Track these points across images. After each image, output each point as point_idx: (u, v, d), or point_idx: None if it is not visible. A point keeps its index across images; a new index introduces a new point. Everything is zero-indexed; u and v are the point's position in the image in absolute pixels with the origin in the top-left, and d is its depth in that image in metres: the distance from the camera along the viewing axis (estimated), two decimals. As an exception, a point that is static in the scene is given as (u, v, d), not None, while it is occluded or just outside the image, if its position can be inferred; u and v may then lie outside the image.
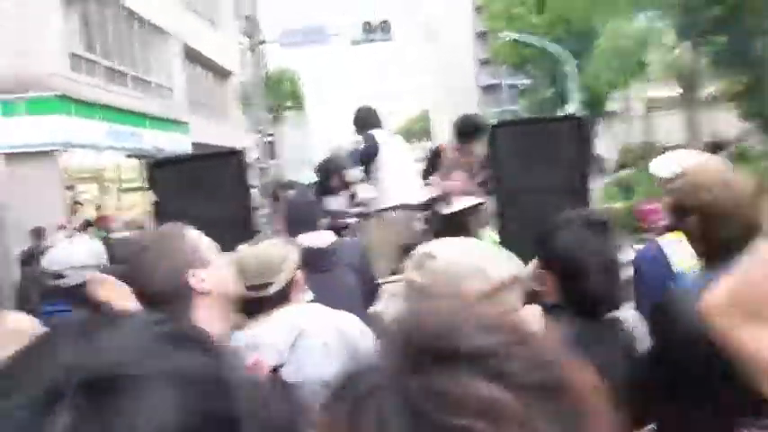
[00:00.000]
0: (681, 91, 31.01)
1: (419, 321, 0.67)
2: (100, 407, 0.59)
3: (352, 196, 5.67)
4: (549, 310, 1.77)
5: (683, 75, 25.38)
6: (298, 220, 3.79)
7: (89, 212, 16.54)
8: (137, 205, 21.30)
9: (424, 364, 0.61)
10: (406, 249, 2.66)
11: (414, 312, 0.72)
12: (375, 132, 5.79)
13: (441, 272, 1.51)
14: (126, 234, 13.43)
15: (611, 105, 39.02)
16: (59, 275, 3.25)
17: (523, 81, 49.93)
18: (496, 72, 65.64)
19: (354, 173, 5.55)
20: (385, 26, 20.30)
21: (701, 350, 1.47)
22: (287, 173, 30.83)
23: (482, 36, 64.22)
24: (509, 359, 0.62)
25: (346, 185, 5.61)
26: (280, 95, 33.08)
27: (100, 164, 19.12)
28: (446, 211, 4.81)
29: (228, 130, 29.24)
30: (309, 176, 20.74)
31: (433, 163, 6.03)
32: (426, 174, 6.01)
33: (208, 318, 1.77)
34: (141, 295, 1.83)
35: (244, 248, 2.45)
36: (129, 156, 19.91)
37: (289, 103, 34.81)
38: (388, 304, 1.86)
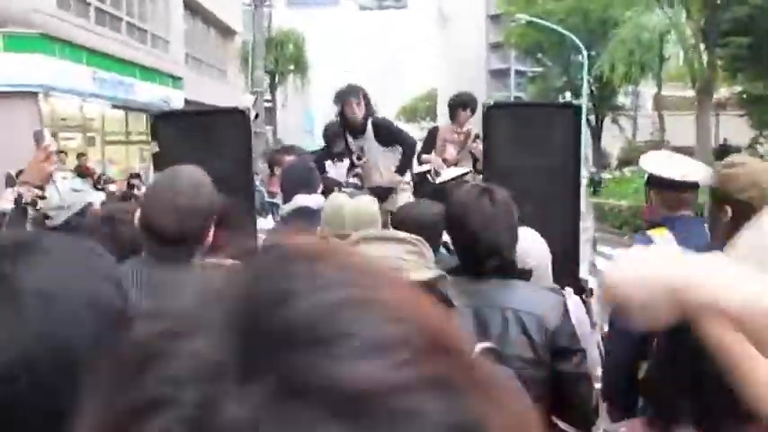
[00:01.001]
0: (693, 92, 30.30)
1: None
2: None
3: (352, 165, 5.82)
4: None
5: (698, 75, 24.46)
6: (296, 184, 3.84)
7: (71, 162, 15.67)
8: (121, 159, 20.52)
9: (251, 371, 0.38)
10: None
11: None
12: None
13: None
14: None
15: (621, 100, 38.17)
16: (46, 216, 3.29)
17: (533, 68, 49.13)
18: (506, 57, 64.58)
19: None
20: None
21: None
22: (285, 139, 29.90)
23: (495, 19, 63.09)
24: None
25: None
26: (283, 58, 32.02)
27: (86, 113, 18.22)
28: (436, 180, 5.17)
29: (226, 89, 28.27)
30: (310, 144, 20.15)
31: (429, 142, 6.22)
32: (424, 150, 6.19)
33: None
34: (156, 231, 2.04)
35: (342, 198, 2.71)
36: (114, 106, 18.95)
37: (291, 67, 33.53)
38: None
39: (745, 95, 28.00)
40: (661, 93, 26.81)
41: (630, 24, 23.86)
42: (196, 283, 0.45)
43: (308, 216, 3.54)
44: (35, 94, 14.63)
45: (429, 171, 6.04)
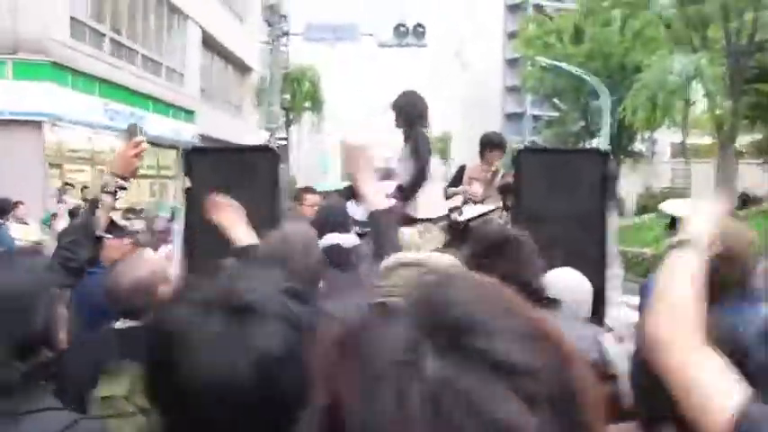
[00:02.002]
0: (710, 140, 29.69)
1: (442, 299, 0.68)
2: (234, 324, 0.97)
3: None
4: None
5: (719, 123, 23.89)
6: (329, 223, 3.91)
7: (77, 194, 15.17)
8: (132, 194, 20.00)
9: (442, 346, 0.63)
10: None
11: (435, 291, 0.71)
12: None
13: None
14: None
15: (638, 146, 37.62)
16: None
17: (549, 113, 48.78)
18: (522, 101, 64.41)
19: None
20: (419, 30, 18.56)
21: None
22: (298, 178, 29.42)
23: (512, 63, 63.09)
24: (538, 374, 0.63)
25: None
26: (299, 95, 31.56)
27: (95, 145, 17.78)
28: (459, 218, 5.12)
29: (240, 125, 27.94)
30: (326, 184, 19.63)
31: (457, 180, 6.20)
32: (451, 186, 6.16)
33: None
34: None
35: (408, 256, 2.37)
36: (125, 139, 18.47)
37: (307, 105, 33.03)
38: None
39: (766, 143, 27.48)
40: (686, 139, 26.17)
41: (655, 68, 23.29)
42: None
43: (339, 254, 3.66)
44: (39, 123, 14.19)
45: (453, 210, 5.78)
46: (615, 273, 4.00)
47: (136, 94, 18.28)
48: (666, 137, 39.41)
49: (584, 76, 29.73)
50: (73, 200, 13.61)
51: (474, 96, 70.56)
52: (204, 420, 0.94)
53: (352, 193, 5.63)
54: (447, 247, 4.65)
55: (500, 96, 69.28)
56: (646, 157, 37.88)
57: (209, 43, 25.44)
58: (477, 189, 5.93)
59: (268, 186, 3.85)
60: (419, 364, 0.61)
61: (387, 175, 5.88)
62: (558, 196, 3.92)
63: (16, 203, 11.04)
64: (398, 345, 0.63)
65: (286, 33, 19.80)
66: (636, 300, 4.02)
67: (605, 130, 28.91)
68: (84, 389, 2.22)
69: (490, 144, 6.12)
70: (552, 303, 2.46)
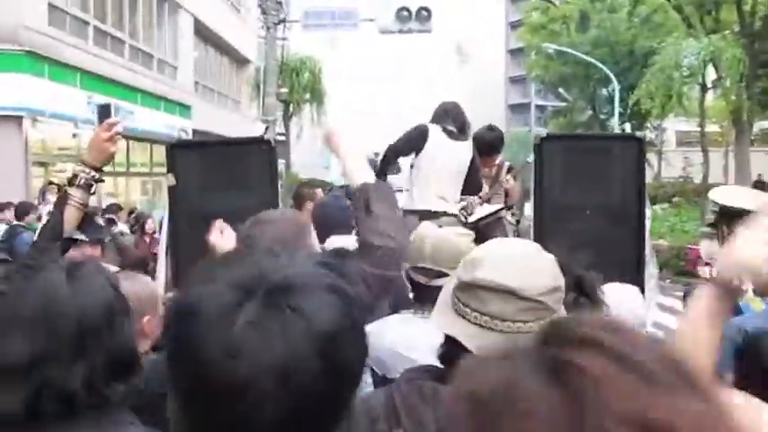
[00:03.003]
0: (717, 128, 28.70)
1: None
2: (279, 303, 0.87)
3: None
4: None
5: (737, 109, 22.85)
6: (330, 223, 3.55)
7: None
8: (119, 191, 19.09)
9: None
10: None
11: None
12: (432, 126, 5.20)
13: None
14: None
15: (648, 135, 36.54)
16: None
17: (554, 103, 47.79)
18: (526, 91, 63.31)
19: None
20: (423, 14, 17.40)
21: None
22: (300, 173, 28.34)
23: (514, 53, 61.99)
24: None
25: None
26: (298, 87, 30.37)
27: (83, 141, 16.79)
28: (469, 220, 4.96)
29: (238, 120, 26.96)
30: (337, 178, 18.71)
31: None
32: None
33: None
34: None
35: (428, 228, 2.43)
36: (114, 134, 17.44)
37: (307, 97, 31.73)
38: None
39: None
40: (704, 126, 25.07)
41: (671, 50, 22.19)
42: None
43: (345, 258, 3.04)
44: (19, 118, 13.22)
45: (461, 209, 5.53)
46: (651, 272, 3.74)
47: (123, 87, 17.28)
48: (672, 125, 38.43)
49: (596, 63, 28.67)
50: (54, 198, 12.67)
51: (477, 88, 69.52)
52: (261, 409, 0.87)
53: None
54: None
55: (503, 87, 68.03)
56: (655, 145, 36.81)
57: (204, 34, 24.47)
58: (484, 189, 5.63)
59: (263, 183, 3.49)
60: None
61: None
62: (588, 188, 3.60)
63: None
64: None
65: (282, 21, 18.73)
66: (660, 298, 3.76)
67: (615, 119, 27.89)
68: None
69: (486, 147, 5.67)
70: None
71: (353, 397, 0.93)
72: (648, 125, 33.73)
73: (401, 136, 5.23)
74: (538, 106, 61.85)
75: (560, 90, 40.89)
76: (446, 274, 2.13)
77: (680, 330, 1.53)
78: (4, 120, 12.97)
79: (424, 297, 2.30)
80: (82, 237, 4.55)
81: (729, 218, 2.89)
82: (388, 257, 2.07)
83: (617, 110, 27.93)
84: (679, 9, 25.66)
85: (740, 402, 1.51)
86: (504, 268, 1.45)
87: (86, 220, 3.55)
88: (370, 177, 2.27)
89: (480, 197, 5.58)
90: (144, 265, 6.03)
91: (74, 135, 15.80)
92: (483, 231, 4.51)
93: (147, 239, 9.42)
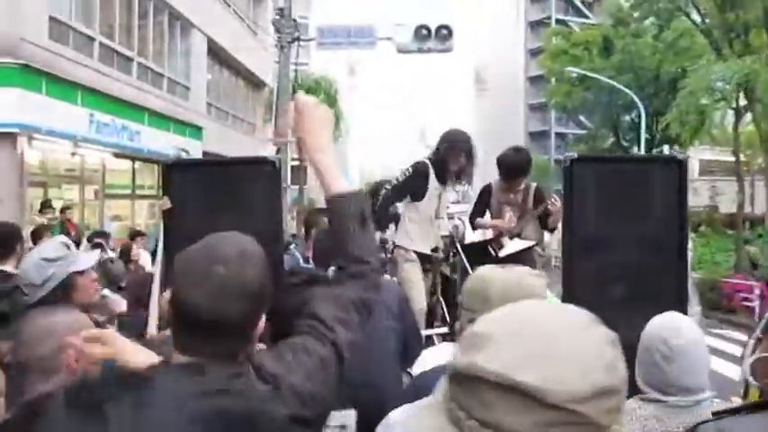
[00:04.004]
0: (746, 156, 27.80)
1: None
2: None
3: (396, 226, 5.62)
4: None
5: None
6: (329, 252, 2.72)
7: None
8: (125, 214, 18.36)
9: None
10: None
11: None
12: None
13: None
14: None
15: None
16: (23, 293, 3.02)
17: (574, 131, 46.91)
18: (545, 119, 62.51)
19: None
20: (443, 32, 16.55)
21: None
22: (317, 200, 27.57)
23: (534, 81, 61.30)
24: None
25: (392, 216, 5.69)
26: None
27: (84, 161, 16.12)
28: (500, 253, 5.20)
29: (252, 143, 26.26)
30: None
31: (483, 203, 5.70)
32: (476, 212, 5.74)
33: None
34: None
35: (489, 271, 1.99)
36: (117, 155, 16.78)
37: None
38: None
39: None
40: (739, 154, 24.06)
41: (703, 72, 21.29)
42: None
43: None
44: (13, 135, 12.50)
45: (490, 242, 5.55)
46: (695, 310, 3.50)
47: (128, 106, 16.57)
48: (695, 153, 37.60)
49: (621, 88, 27.83)
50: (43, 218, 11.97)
51: (496, 116, 68.80)
52: None
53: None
54: None
55: (523, 115, 67.18)
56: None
57: (218, 55, 23.88)
58: (511, 218, 5.47)
59: (266, 206, 3.23)
60: None
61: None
62: (624, 216, 3.31)
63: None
64: None
65: (296, 39, 18.00)
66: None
67: (641, 145, 27.00)
68: None
69: (512, 171, 5.42)
70: None
71: None
72: (675, 152, 32.88)
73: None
74: (558, 134, 61.06)
75: (581, 117, 40.09)
76: None
77: None
78: (-1, 137, 12.26)
79: None
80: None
81: None
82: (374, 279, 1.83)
83: (643, 136, 26.99)
84: (707, 33, 24.99)
85: None
86: (523, 353, 0.92)
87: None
88: (345, 183, 1.91)
89: (506, 232, 5.46)
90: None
91: (72, 154, 15.11)
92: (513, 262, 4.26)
93: (133, 267, 8.63)
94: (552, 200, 5.25)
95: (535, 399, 0.89)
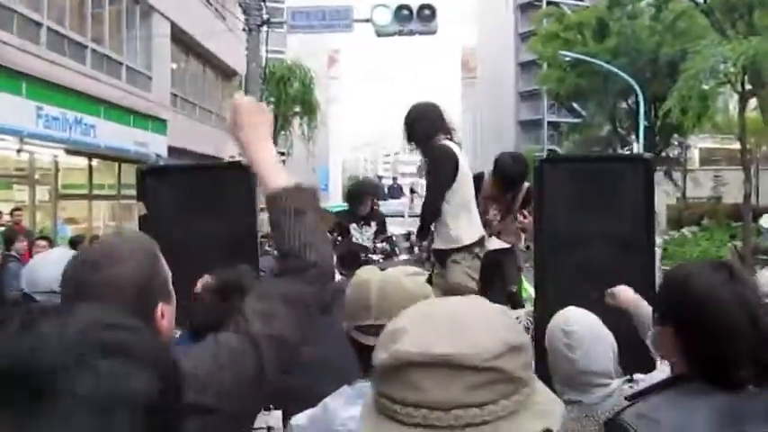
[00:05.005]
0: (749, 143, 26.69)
1: None
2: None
3: (382, 227, 6.11)
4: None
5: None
6: None
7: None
8: (82, 216, 16.85)
9: None
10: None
11: None
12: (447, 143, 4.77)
13: None
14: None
15: (671, 151, 34.17)
16: None
17: (567, 119, 45.61)
18: (538, 108, 61.00)
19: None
20: (426, 13, 14.98)
21: None
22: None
23: (525, 67, 59.74)
24: None
25: (376, 214, 6.16)
26: (286, 97, 27.71)
27: (35, 159, 14.62)
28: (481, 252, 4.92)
29: (220, 137, 24.66)
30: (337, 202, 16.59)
31: (475, 187, 5.35)
32: None
33: None
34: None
35: (369, 272, 1.96)
36: (70, 151, 15.24)
37: (297, 109, 29.09)
38: None
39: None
40: (746, 142, 22.72)
41: (706, 53, 19.87)
42: None
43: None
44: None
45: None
46: None
47: (82, 97, 15.00)
48: (695, 142, 36.32)
49: (618, 72, 26.41)
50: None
51: (485, 103, 67.40)
52: None
53: (355, 216, 6.11)
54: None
55: (513, 103, 65.52)
56: (681, 164, 34.41)
57: (184, 43, 22.27)
58: (494, 215, 5.48)
59: (241, 209, 3.43)
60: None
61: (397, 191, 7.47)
62: (592, 215, 3.42)
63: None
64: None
65: (266, 22, 16.45)
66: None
67: (640, 133, 25.61)
68: None
69: (509, 182, 5.43)
70: None
71: None
72: (674, 141, 31.62)
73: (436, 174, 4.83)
74: (550, 123, 59.58)
75: (575, 105, 38.77)
76: None
77: None
78: None
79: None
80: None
81: None
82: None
83: (642, 123, 25.58)
84: (707, 13, 23.73)
85: None
86: (435, 331, 1.00)
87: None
88: (285, 180, 1.80)
89: (488, 222, 5.33)
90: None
91: (18, 151, 13.63)
92: (496, 260, 4.97)
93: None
94: (523, 214, 5.27)
95: (459, 366, 0.95)
